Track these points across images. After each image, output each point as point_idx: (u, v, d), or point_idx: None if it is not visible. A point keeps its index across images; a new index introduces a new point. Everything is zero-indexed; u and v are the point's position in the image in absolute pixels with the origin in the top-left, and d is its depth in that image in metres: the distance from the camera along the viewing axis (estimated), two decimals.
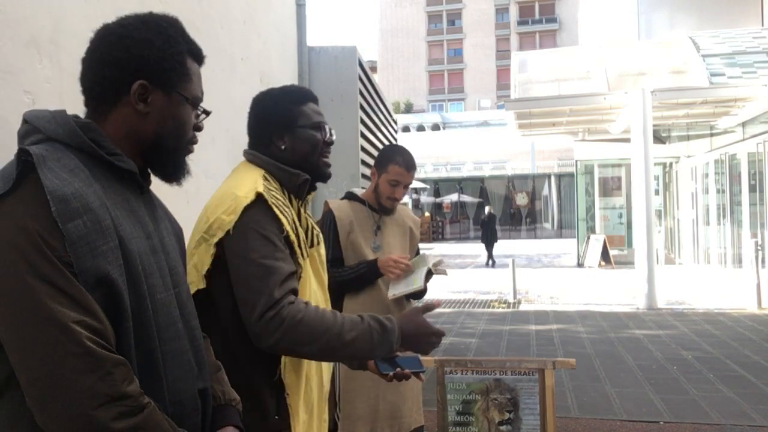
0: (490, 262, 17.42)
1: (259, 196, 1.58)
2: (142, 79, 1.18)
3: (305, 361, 1.66)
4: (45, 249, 0.99)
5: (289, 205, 1.69)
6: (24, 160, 1.03)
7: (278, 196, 1.64)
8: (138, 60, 1.17)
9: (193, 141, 1.29)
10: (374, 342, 1.55)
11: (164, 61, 1.20)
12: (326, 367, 1.78)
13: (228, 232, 1.55)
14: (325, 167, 1.77)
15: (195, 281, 1.56)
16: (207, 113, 1.32)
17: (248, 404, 1.49)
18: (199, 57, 1.29)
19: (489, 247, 17.57)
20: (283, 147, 1.72)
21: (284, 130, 1.72)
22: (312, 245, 1.75)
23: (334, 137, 1.79)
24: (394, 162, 2.61)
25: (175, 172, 1.26)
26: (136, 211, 1.18)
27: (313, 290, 1.73)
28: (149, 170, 1.25)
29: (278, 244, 1.57)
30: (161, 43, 1.20)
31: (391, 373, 1.74)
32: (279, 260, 1.56)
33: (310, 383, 1.70)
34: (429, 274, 2.57)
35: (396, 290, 2.53)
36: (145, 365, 1.11)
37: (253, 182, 1.63)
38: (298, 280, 1.62)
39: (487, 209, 19.28)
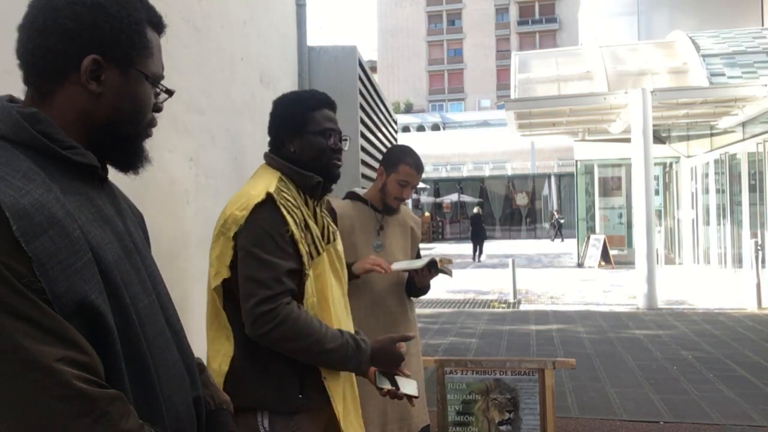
0: (478, 258, 18.75)
1: (269, 196, 1.71)
2: (95, 53, 0.98)
3: None
4: (10, 278, 0.82)
5: (303, 205, 1.81)
6: None
7: (289, 197, 1.77)
8: (89, 29, 0.98)
9: (152, 124, 1.10)
10: (347, 356, 1.72)
11: (121, 32, 1.01)
12: None
13: (241, 226, 1.69)
14: (334, 169, 1.88)
15: (221, 271, 1.72)
16: (170, 93, 1.12)
17: (268, 383, 1.69)
18: (159, 26, 1.10)
19: (478, 245, 18.97)
20: (293, 150, 1.85)
21: (294, 135, 1.85)
22: (328, 242, 1.87)
23: (343, 144, 1.91)
24: (404, 163, 2.63)
25: (133, 161, 1.08)
26: (102, 210, 1.01)
27: (332, 285, 1.84)
28: (103, 160, 1.07)
29: (280, 243, 1.70)
30: (117, 10, 1.01)
31: (386, 389, 1.88)
32: (279, 258, 1.69)
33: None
34: (435, 270, 2.58)
35: (398, 266, 2.57)
36: (141, 387, 0.98)
37: (266, 183, 1.77)
38: (305, 276, 1.75)
39: (475, 209, 20.80)
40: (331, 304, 1.80)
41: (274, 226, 1.70)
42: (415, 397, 1.94)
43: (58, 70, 0.99)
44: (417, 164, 2.66)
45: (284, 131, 1.86)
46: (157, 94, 1.10)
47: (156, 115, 1.12)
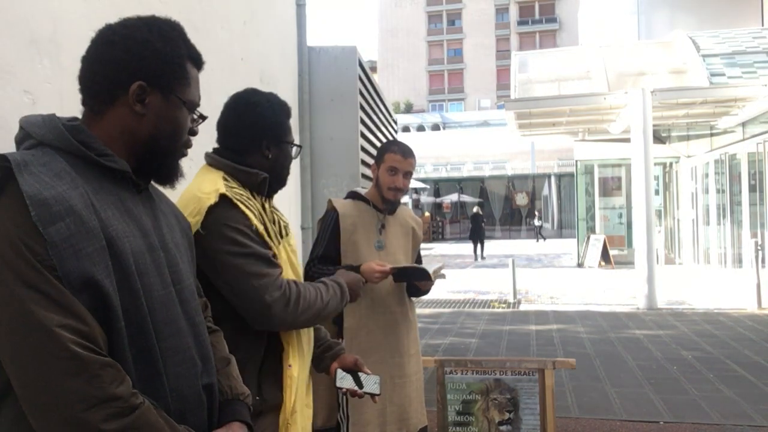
0: (479, 257, 19.26)
1: (223, 197, 1.65)
2: (141, 80, 1.17)
3: (296, 345, 1.76)
4: (27, 254, 0.99)
5: (253, 199, 1.77)
6: (3, 167, 1.03)
7: (242, 192, 1.72)
8: (138, 61, 1.17)
9: (188, 145, 1.29)
10: (338, 298, 1.84)
11: (164, 64, 1.20)
12: (307, 351, 1.84)
13: (198, 232, 1.59)
14: (287, 177, 1.93)
15: None
16: (203, 118, 1.32)
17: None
18: (198, 62, 1.30)
19: (478, 244, 19.63)
20: (269, 156, 1.81)
21: (275, 142, 1.82)
22: (281, 237, 1.83)
23: (295, 153, 1.94)
24: (389, 150, 2.66)
25: (168, 175, 1.27)
26: (132, 210, 1.17)
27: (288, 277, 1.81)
28: (142, 174, 1.24)
29: (252, 235, 1.66)
30: (162, 46, 1.20)
31: (344, 389, 1.87)
32: (258, 244, 1.67)
33: (304, 364, 1.80)
34: (427, 278, 2.58)
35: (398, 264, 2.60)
36: (143, 363, 1.10)
37: (213, 183, 1.70)
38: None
39: (475, 209, 21.46)
40: None
41: (238, 220, 1.64)
42: (377, 395, 1.90)
43: (110, 93, 1.18)
44: (402, 150, 2.65)
45: (266, 135, 1.80)
46: (193, 120, 1.30)
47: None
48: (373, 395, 1.89)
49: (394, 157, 2.62)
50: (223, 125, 1.86)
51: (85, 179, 1.10)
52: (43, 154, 1.08)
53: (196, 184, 1.73)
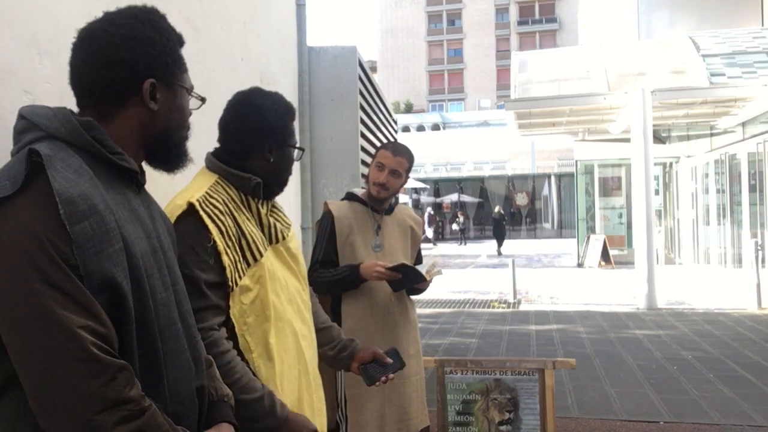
0: (499, 252, 20.98)
1: (191, 207, 1.59)
2: (151, 78, 1.19)
3: (275, 346, 1.66)
4: (52, 252, 0.98)
5: (240, 209, 1.69)
6: (33, 161, 1.03)
7: (218, 203, 1.64)
8: (145, 58, 1.18)
9: (189, 127, 1.33)
10: (258, 414, 1.54)
11: (166, 56, 1.22)
12: (310, 353, 1.78)
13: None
14: (288, 180, 1.84)
15: None
16: (203, 100, 1.35)
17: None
18: (182, 43, 1.31)
19: (499, 241, 21.68)
20: (271, 160, 1.74)
21: (277, 145, 1.75)
22: (276, 241, 1.76)
23: (296, 155, 1.87)
24: (382, 148, 2.69)
25: (179, 161, 1.30)
26: (136, 210, 1.19)
27: (284, 280, 1.74)
28: (152, 163, 1.28)
29: (201, 254, 1.58)
30: (159, 38, 1.21)
31: (378, 383, 1.98)
32: (198, 270, 1.56)
33: (291, 365, 1.71)
34: (422, 279, 2.58)
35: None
36: (147, 366, 1.11)
37: (195, 190, 1.65)
38: (230, 289, 1.61)
39: (496, 208, 23.16)
40: (272, 309, 1.66)
41: (195, 238, 1.57)
42: (404, 366, 2.05)
43: (122, 95, 1.18)
44: (393, 148, 2.66)
45: (266, 141, 1.73)
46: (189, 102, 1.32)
47: None
48: (401, 369, 2.05)
49: (383, 154, 2.64)
50: (224, 126, 1.80)
51: (98, 176, 1.10)
52: (57, 149, 1.07)
53: (185, 189, 1.70)
